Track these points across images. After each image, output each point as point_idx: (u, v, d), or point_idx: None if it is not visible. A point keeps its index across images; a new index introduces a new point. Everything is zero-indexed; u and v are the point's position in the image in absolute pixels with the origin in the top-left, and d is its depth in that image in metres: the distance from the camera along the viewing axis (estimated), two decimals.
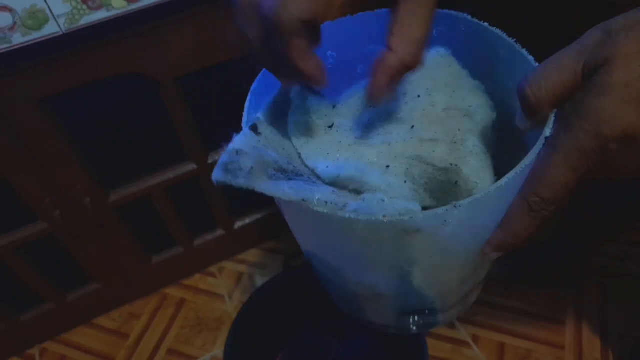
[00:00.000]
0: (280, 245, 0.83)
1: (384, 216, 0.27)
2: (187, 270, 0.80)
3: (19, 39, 0.43)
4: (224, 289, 0.78)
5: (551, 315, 0.68)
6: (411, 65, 0.31)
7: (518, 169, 0.27)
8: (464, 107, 0.38)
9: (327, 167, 0.36)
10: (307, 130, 0.40)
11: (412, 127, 0.38)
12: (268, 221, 0.79)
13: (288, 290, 0.65)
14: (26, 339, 0.75)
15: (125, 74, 0.52)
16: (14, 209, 0.59)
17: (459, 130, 0.37)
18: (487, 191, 0.27)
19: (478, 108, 0.38)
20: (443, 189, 0.34)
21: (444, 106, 0.39)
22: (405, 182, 0.35)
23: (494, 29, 0.36)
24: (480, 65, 0.39)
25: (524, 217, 0.30)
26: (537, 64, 0.32)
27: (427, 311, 0.41)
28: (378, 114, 0.39)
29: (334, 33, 0.40)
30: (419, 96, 0.39)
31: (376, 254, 0.32)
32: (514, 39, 0.35)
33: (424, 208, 0.33)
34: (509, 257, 0.73)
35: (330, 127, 0.40)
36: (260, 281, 0.78)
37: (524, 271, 0.70)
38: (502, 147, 0.37)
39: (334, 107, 0.42)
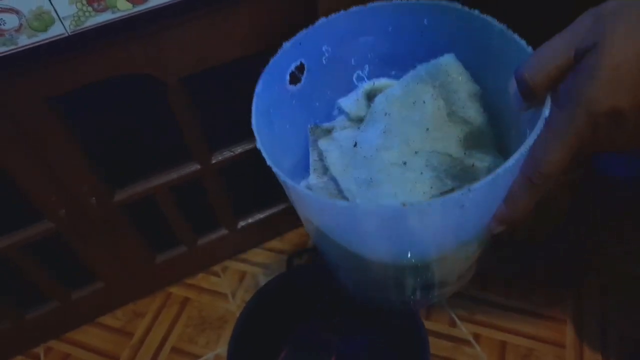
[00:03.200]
0: (283, 244, 0.83)
1: (404, 204, 0.29)
2: (191, 269, 0.81)
3: (24, 40, 0.44)
4: (227, 288, 0.79)
5: (552, 314, 0.68)
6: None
7: (521, 150, 0.29)
8: (463, 115, 0.41)
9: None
10: (342, 160, 0.43)
11: (427, 129, 0.41)
12: (271, 221, 0.80)
13: (291, 289, 0.65)
14: (31, 338, 0.75)
15: (130, 75, 0.53)
16: (20, 209, 0.60)
17: (461, 132, 0.41)
18: (496, 173, 0.29)
19: (475, 117, 0.41)
20: (464, 170, 0.39)
21: (447, 111, 0.42)
22: (422, 173, 0.39)
23: (484, 15, 0.38)
24: (474, 52, 0.41)
25: (525, 192, 0.33)
26: (527, 47, 0.35)
27: (426, 287, 0.44)
28: (394, 120, 0.43)
29: (329, 29, 0.42)
30: (424, 102, 0.42)
31: (391, 236, 0.35)
32: (506, 25, 0.37)
33: (446, 191, 0.38)
34: (510, 257, 0.74)
35: (355, 145, 0.43)
36: (263, 280, 0.79)
37: (524, 270, 0.70)
38: (505, 127, 0.40)
39: (358, 128, 0.46)
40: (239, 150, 0.67)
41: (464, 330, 0.68)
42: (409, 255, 0.36)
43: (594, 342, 0.65)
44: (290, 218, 0.82)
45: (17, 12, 0.42)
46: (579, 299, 0.69)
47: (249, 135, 0.70)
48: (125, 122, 0.60)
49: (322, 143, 0.44)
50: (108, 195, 0.63)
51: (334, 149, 0.44)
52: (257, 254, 0.83)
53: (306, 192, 0.32)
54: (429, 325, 0.69)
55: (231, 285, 0.79)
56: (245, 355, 0.60)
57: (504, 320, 0.69)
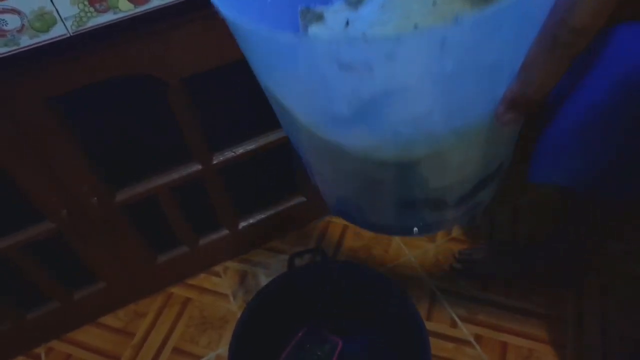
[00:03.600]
0: (285, 245, 0.83)
1: (364, 35, 0.21)
2: (192, 269, 0.81)
3: (27, 41, 0.44)
4: (228, 288, 0.79)
5: (552, 315, 0.68)
6: None
7: None
8: None
9: None
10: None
11: (435, 2, 0.34)
12: (272, 221, 0.80)
13: (291, 289, 0.65)
14: (32, 338, 0.75)
15: (132, 75, 0.53)
16: (21, 209, 0.60)
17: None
18: (497, 6, 0.20)
19: None
20: None
21: None
22: None
23: None
24: None
25: (547, 56, 0.24)
26: None
27: (431, 204, 0.36)
28: None
29: None
30: None
31: (357, 102, 0.26)
32: None
33: None
34: (510, 257, 0.73)
35: (347, 25, 0.37)
36: (264, 281, 0.79)
37: (524, 270, 0.70)
38: None
39: (356, 9, 0.38)
40: (240, 150, 0.67)
41: (465, 331, 0.69)
42: (386, 139, 0.29)
43: (594, 342, 0.65)
44: (291, 219, 0.82)
45: (19, 12, 0.42)
46: (579, 299, 0.70)
47: (250, 136, 0.70)
48: (126, 122, 0.60)
49: (313, 29, 0.38)
50: (109, 195, 0.63)
51: (323, 33, 0.38)
52: (258, 255, 0.83)
53: (249, 24, 0.24)
54: (429, 325, 0.69)
55: (232, 286, 0.79)
56: (247, 355, 0.60)
57: (505, 320, 0.69)
